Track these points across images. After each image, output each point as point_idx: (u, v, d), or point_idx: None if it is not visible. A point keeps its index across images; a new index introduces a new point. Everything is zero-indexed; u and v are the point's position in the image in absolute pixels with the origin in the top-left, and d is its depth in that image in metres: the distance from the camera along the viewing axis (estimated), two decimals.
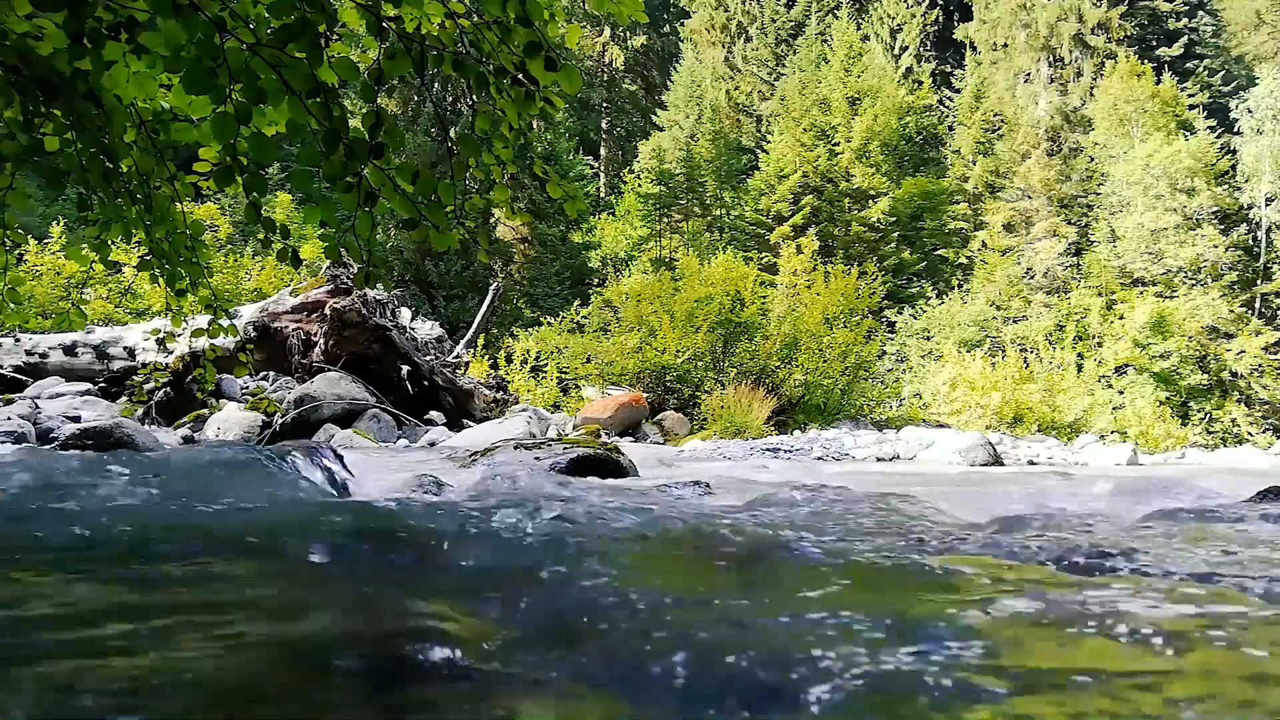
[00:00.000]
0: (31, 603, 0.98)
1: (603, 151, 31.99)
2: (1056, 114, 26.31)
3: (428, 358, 8.40)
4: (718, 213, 26.78)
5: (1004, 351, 17.67)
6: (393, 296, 8.48)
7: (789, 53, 31.09)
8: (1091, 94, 25.70)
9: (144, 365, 7.49)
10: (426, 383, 8.12)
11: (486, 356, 13.26)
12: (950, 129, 28.77)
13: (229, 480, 1.95)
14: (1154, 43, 28.92)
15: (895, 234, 25.72)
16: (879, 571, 1.26)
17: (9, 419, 5.81)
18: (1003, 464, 7.19)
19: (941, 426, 11.76)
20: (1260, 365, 21.05)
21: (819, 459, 7.25)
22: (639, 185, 26.39)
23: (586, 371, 12.61)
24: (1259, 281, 22.94)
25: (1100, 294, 22.48)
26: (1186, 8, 30.27)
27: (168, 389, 7.08)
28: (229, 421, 6.59)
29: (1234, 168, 23.48)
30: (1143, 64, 25.02)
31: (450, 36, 2.15)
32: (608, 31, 30.76)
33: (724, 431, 10.14)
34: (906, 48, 30.70)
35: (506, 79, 2.08)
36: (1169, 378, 20.27)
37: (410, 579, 1.25)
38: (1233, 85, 28.34)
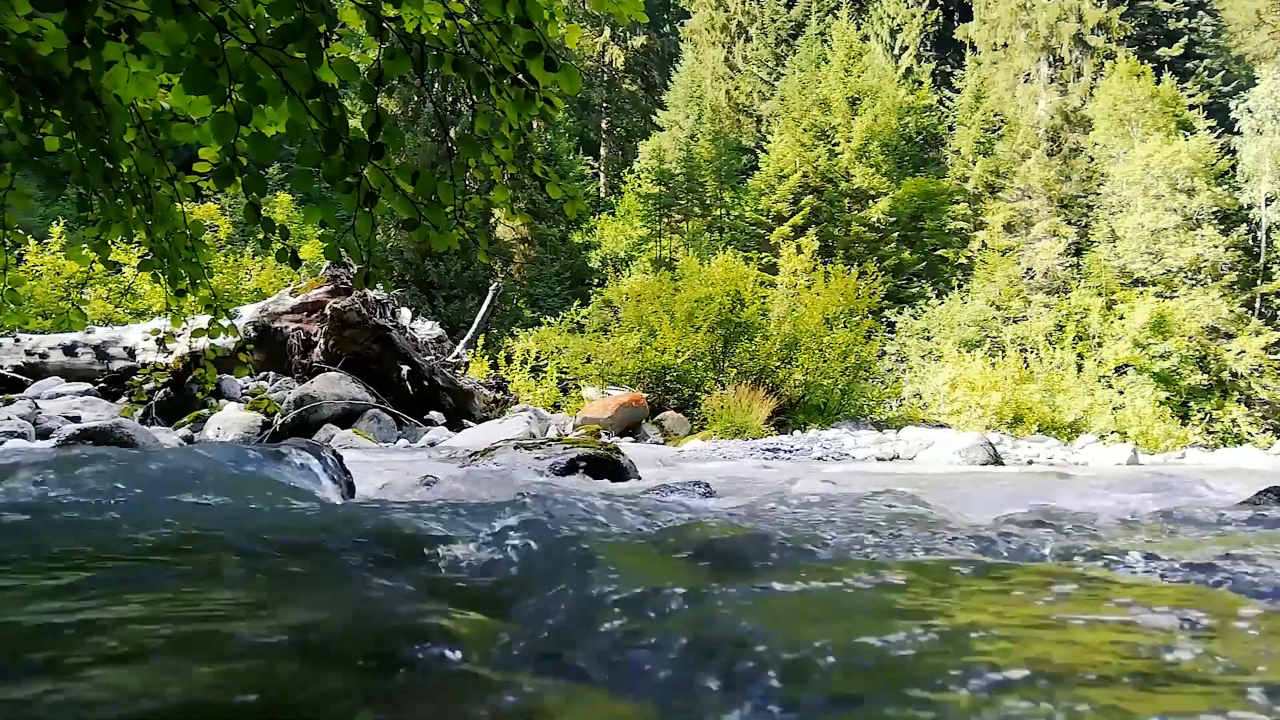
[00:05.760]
0: (26, 604, 0.98)
1: (603, 151, 31.99)
2: (1056, 114, 26.31)
3: (428, 358, 8.41)
4: (718, 213, 26.78)
5: (1004, 351, 17.68)
6: (393, 297, 8.48)
7: (789, 53, 31.09)
8: (1091, 94, 25.69)
9: (144, 365, 7.49)
10: (426, 383, 8.13)
11: (486, 356, 13.27)
12: (950, 129, 28.76)
13: (227, 480, 1.95)
14: (1154, 43, 28.90)
15: (895, 234, 25.72)
16: (878, 571, 1.26)
17: (9, 419, 5.81)
18: (1003, 464, 7.19)
19: (941, 427, 11.76)
20: (1260, 365, 21.04)
21: (819, 459, 7.25)
22: (639, 185, 26.38)
23: (586, 372, 12.61)
24: (1259, 281, 22.93)
25: (1100, 294, 22.48)
26: (1186, 8, 30.26)
27: (168, 389, 7.08)
28: (229, 422, 6.59)
29: (1234, 168, 23.47)
30: (1143, 64, 25.00)
31: (450, 36, 2.15)
32: (608, 31, 30.76)
33: (724, 432, 10.15)
34: (906, 48, 30.70)
35: (506, 79, 2.08)
36: (1169, 378, 20.26)
37: (409, 579, 1.26)
38: (1233, 85, 28.32)
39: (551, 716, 0.72)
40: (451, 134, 2.26)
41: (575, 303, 17.41)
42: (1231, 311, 21.62)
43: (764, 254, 22.32)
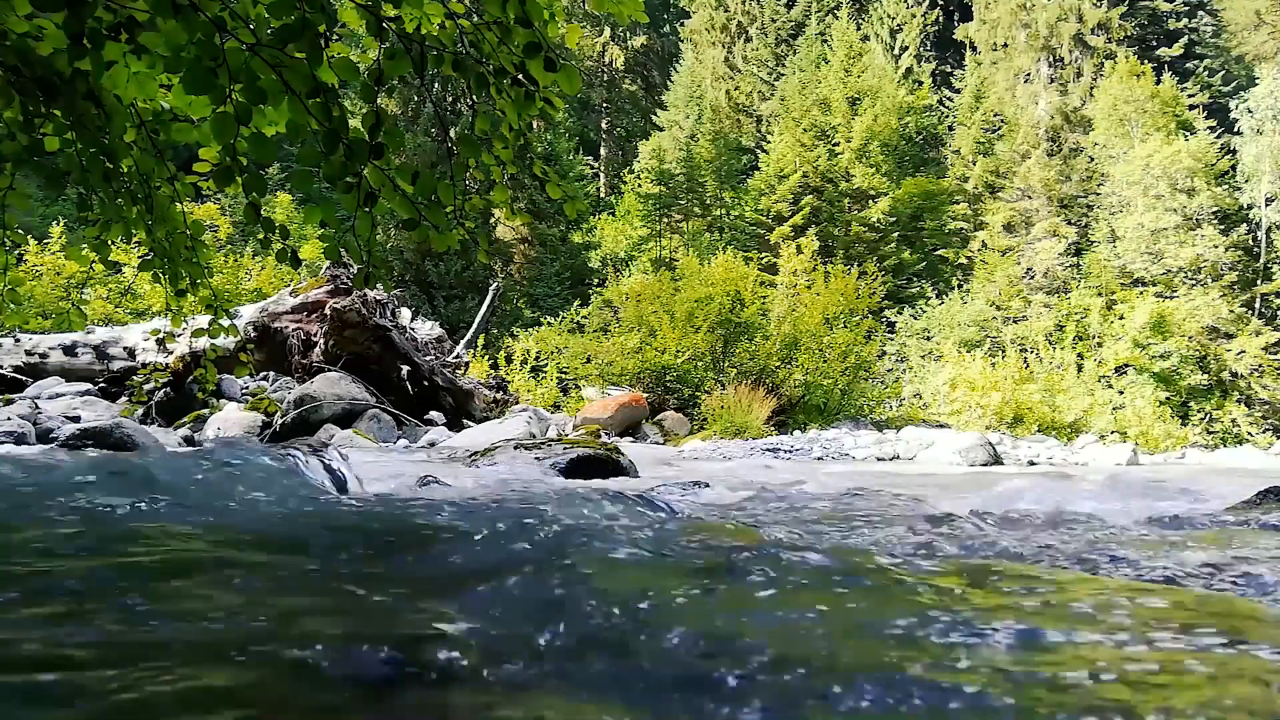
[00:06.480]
0: (29, 604, 0.98)
1: (603, 151, 31.98)
2: (1056, 114, 26.30)
3: (428, 358, 8.40)
4: (718, 213, 26.78)
5: (1004, 351, 17.67)
6: (393, 297, 8.48)
7: (789, 53, 31.08)
8: (1091, 94, 25.67)
9: (144, 365, 7.49)
10: (426, 383, 8.12)
11: (486, 356, 13.26)
12: (950, 129, 28.74)
13: (229, 480, 1.95)
14: (1154, 43, 28.89)
15: (895, 234, 25.71)
16: (879, 571, 1.26)
17: (9, 419, 5.81)
18: (1003, 464, 7.19)
19: (941, 427, 11.76)
20: (1260, 365, 21.03)
21: (819, 459, 7.25)
22: (639, 185, 26.37)
23: (586, 372, 12.61)
24: (1259, 281, 22.92)
25: (1100, 294, 22.47)
26: (1186, 8, 30.25)
27: (168, 389, 7.08)
28: (229, 422, 6.59)
29: (1234, 168, 23.46)
30: (1143, 64, 24.98)
31: (450, 36, 2.15)
32: (608, 31, 30.75)
33: (724, 432, 10.15)
34: (906, 48, 30.68)
35: (506, 79, 2.08)
36: (1169, 378, 20.26)
37: (410, 579, 1.25)
38: (1233, 85, 28.30)
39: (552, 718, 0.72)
40: (451, 134, 2.26)
41: (575, 303, 17.41)
42: (1231, 311, 21.61)
43: (764, 254, 22.30)
